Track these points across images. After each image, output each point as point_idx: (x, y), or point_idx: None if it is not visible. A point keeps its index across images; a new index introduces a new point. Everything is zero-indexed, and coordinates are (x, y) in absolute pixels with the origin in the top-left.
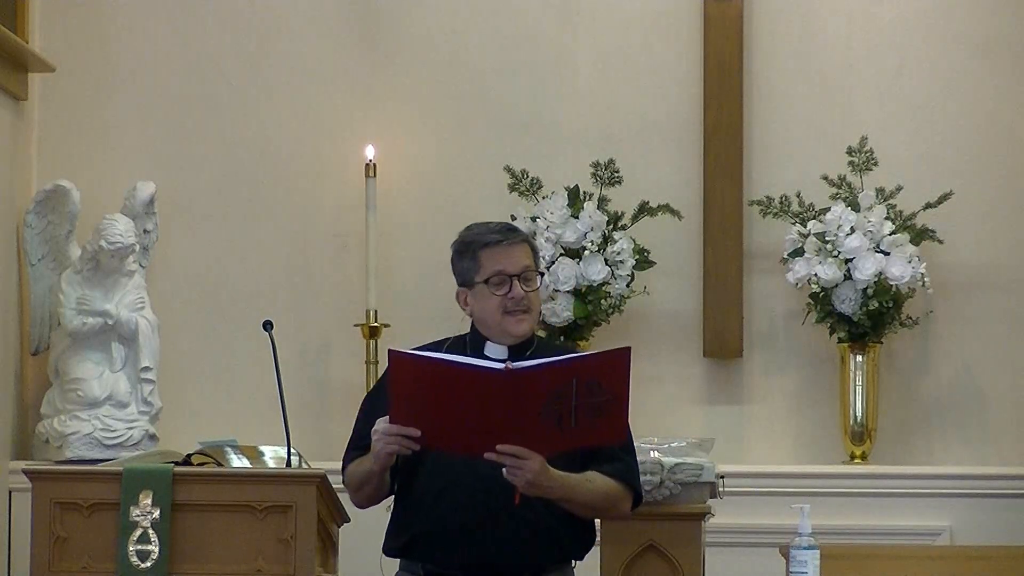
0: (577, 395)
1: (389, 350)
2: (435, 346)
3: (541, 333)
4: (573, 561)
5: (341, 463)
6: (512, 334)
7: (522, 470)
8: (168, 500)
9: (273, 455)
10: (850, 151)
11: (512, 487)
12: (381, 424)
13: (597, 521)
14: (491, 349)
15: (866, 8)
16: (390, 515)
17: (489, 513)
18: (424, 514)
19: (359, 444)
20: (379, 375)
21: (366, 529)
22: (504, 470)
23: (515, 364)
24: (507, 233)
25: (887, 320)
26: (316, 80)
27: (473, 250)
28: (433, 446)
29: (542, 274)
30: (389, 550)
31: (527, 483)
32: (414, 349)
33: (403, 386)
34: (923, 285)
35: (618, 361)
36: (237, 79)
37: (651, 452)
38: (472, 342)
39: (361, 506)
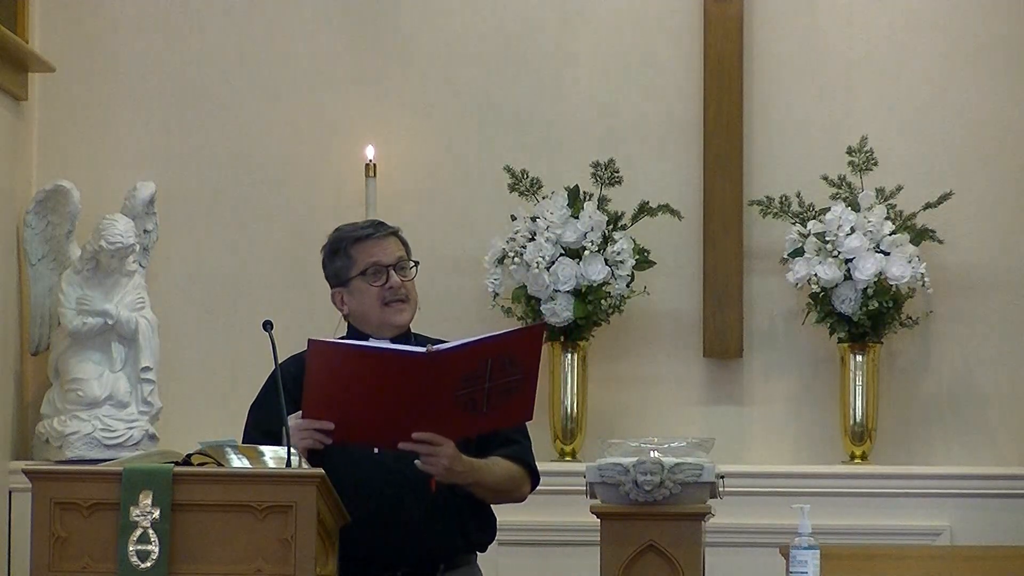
0: (491, 376)
1: (309, 340)
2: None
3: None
4: (477, 553)
5: None
6: (393, 324)
7: (437, 457)
8: (168, 500)
9: (273, 455)
10: (850, 151)
11: (424, 476)
12: (293, 420)
13: (592, 521)
14: (373, 344)
15: (866, 8)
16: None
17: (397, 506)
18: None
19: None
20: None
21: None
22: (419, 459)
23: (436, 347)
24: (377, 227)
25: (887, 320)
26: (316, 80)
27: (344, 247)
28: (345, 439)
29: (416, 264)
30: None
31: (444, 469)
32: (291, 356)
33: (319, 376)
34: (923, 285)
35: (532, 338)
36: (237, 79)
37: (651, 452)
38: (352, 340)
39: None
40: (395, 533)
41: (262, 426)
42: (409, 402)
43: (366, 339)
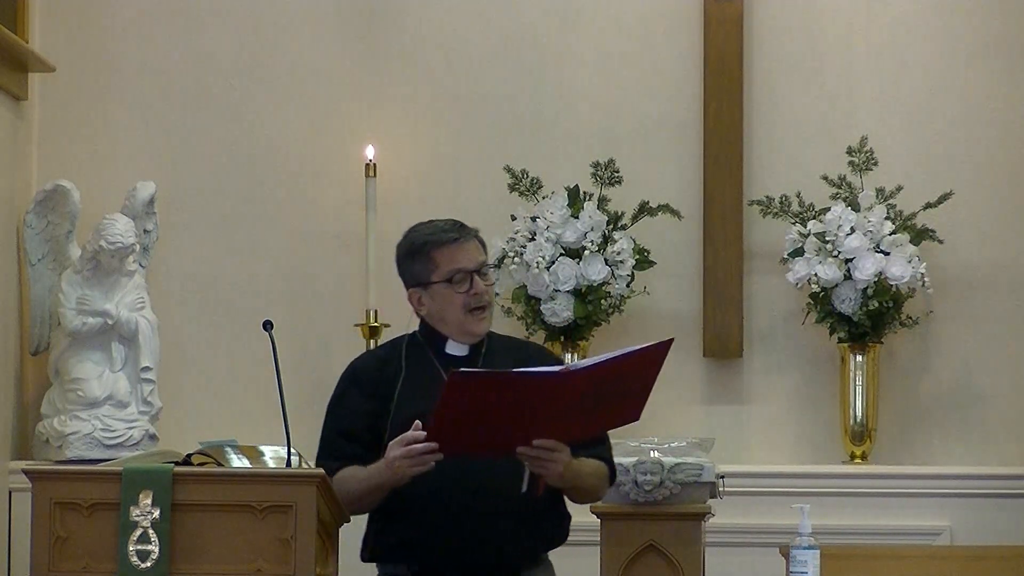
0: (617, 386)
1: (452, 372)
2: (389, 348)
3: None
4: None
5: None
6: (474, 333)
7: (554, 463)
8: (168, 500)
9: (273, 455)
10: (850, 151)
11: (508, 481)
12: (399, 449)
13: (592, 521)
14: (452, 347)
15: (866, 8)
16: (368, 522)
17: (480, 512)
18: (414, 518)
19: (338, 454)
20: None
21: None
22: (530, 464)
23: (573, 365)
24: (459, 230)
25: (887, 320)
26: (316, 80)
27: (426, 250)
28: (459, 454)
29: (495, 267)
30: (374, 555)
31: (558, 474)
32: (363, 353)
33: (454, 406)
34: (923, 285)
35: (660, 354)
36: (237, 79)
37: (651, 452)
38: (429, 341)
39: (354, 514)
40: (477, 539)
41: (342, 425)
42: (536, 415)
43: (443, 340)
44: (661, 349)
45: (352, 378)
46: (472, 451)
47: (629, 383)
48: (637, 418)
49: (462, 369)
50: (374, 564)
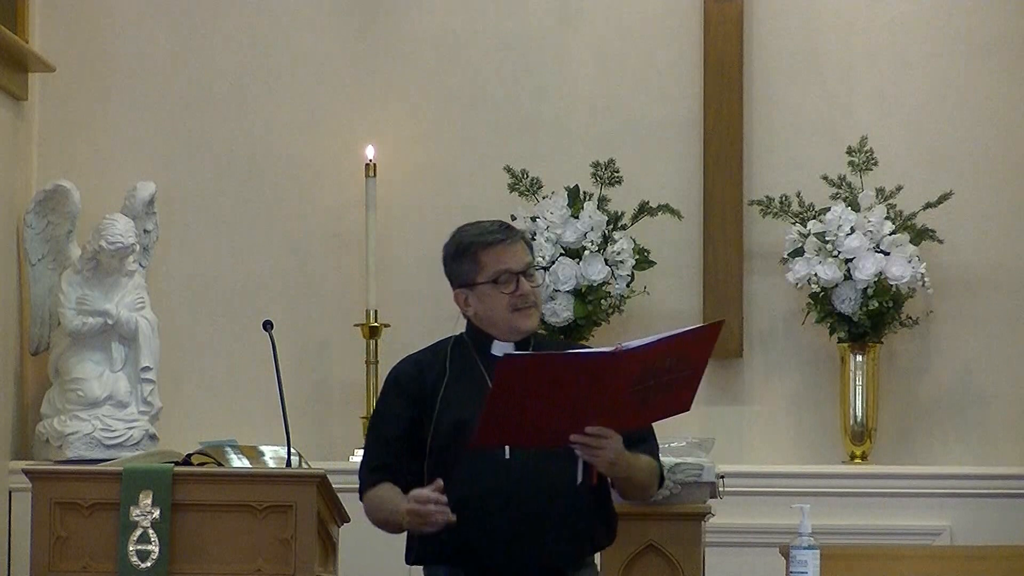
0: (667, 371)
1: (505, 354)
2: (431, 351)
3: (542, 330)
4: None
5: (358, 481)
6: (522, 330)
7: (605, 450)
8: (168, 500)
9: (273, 455)
10: (850, 151)
11: (561, 481)
12: (412, 504)
13: None
14: (497, 347)
15: (866, 8)
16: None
17: (529, 513)
18: (462, 522)
19: (379, 467)
20: (379, 375)
21: (366, 529)
22: (583, 451)
23: (623, 346)
24: (506, 232)
25: (887, 320)
26: (316, 80)
27: (473, 251)
28: (515, 445)
29: (544, 269)
30: (420, 558)
31: (609, 463)
32: (405, 357)
33: (506, 393)
34: (923, 285)
35: (710, 336)
36: (237, 79)
37: None
38: (475, 342)
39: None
40: (525, 542)
41: (383, 432)
42: (587, 400)
43: (490, 341)
44: (711, 332)
45: (393, 384)
46: (524, 442)
47: (679, 368)
48: (687, 407)
49: (511, 352)
50: (419, 567)
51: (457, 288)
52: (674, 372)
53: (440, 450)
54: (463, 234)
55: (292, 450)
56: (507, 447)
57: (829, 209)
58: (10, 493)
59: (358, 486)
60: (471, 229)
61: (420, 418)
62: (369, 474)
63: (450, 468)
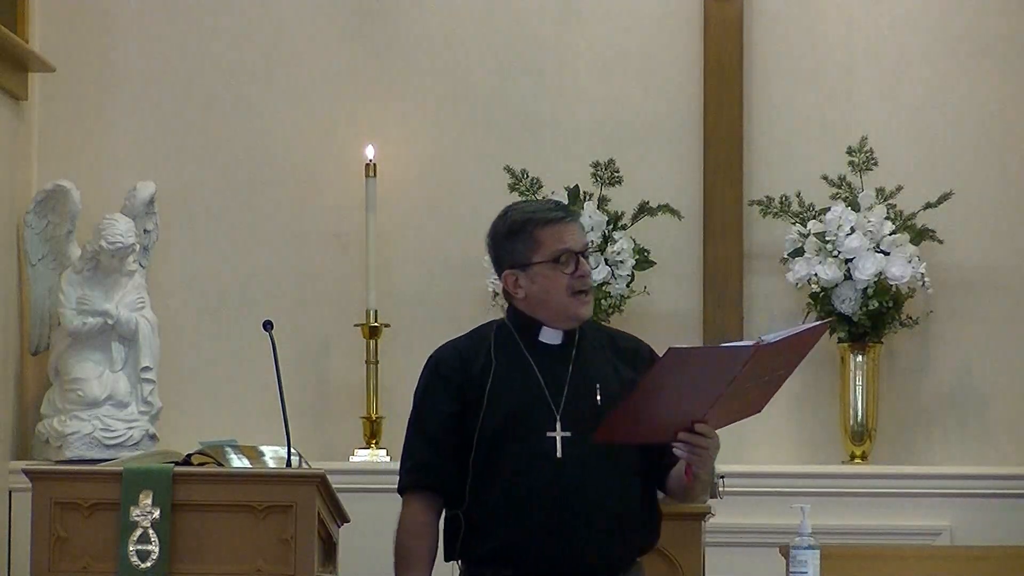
0: (774, 369)
1: (671, 347)
2: (474, 339)
3: None
4: None
5: (398, 478)
6: (579, 316)
7: (709, 450)
8: (168, 500)
9: (273, 455)
10: (850, 151)
11: (607, 482)
12: None
13: None
14: (546, 334)
15: (866, 8)
16: (454, 524)
17: (579, 515)
18: (509, 522)
19: (421, 466)
20: (379, 375)
21: (366, 529)
22: (684, 450)
23: (764, 338)
24: (564, 210)
25: (887, 320)
26: (316, 80)
27: (529, 229)
28: (624, 441)
29: (597, 252)
30: (463, 556)
31: (709, 461)
32: (445, 343)
33: (659, 384)
34: (923, 285)
35: (816, 337)
36: (237, 79)
37: None
38: (521, 327)
39: None
40: (574, 544)
41: (427, 429)
42: (707, 396)
43: (538, 327)
44: (819, 331)
45: (436, 375)
46: (633, 438)
47: (779, 367)
48: (760, 409)
49: (676, 346)
50: (458, 563)
51: (508, 269)
52: (776, 370)
53: (489, 445)
54: (517, 212)
55: (292, 450)
56: (559, 445)
57: (829, 209)
58: (10, 493)
59: (397, 481)
60: (525, 206)
61: (466, 412)
62: (410, 474)
63: (498, 463)
